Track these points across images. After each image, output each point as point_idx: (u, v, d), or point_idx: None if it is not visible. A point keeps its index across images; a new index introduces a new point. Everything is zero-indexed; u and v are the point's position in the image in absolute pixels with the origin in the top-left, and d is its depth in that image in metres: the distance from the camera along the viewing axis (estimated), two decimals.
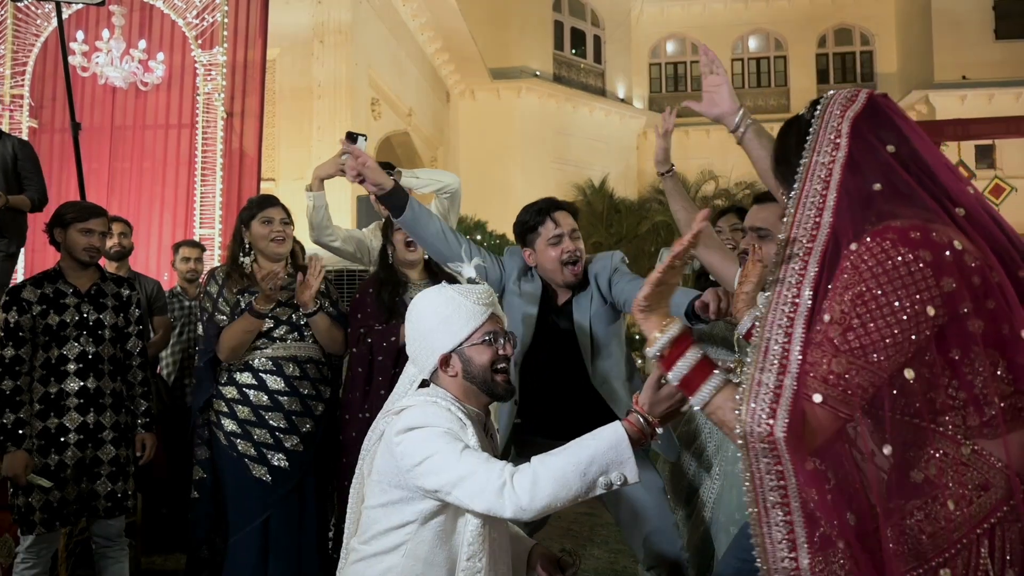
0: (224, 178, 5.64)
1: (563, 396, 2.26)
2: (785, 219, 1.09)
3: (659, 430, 1.32)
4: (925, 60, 15.80)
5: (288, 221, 2.59)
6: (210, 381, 2.51)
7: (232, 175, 5.70)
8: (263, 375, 2.47)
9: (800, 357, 0.96)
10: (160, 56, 5.62)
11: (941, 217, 1.01)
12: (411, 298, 2.49)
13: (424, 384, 1.58)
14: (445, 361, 1.50)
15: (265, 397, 2.46)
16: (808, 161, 1.09)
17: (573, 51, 16.76)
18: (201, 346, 2.64)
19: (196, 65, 5.71)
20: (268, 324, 2.47)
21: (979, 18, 15.54)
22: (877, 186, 1.03)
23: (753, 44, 18.40)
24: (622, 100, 17.49)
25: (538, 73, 15.73)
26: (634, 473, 1.30)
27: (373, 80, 9.75)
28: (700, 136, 17.60)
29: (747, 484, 0.97)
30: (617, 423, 1.35)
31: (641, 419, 1.33)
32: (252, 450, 2.42)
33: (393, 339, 2.46)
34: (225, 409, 2.47)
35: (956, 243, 0.97)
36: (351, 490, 1.64)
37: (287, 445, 2.44)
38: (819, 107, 1.12)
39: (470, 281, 1.60)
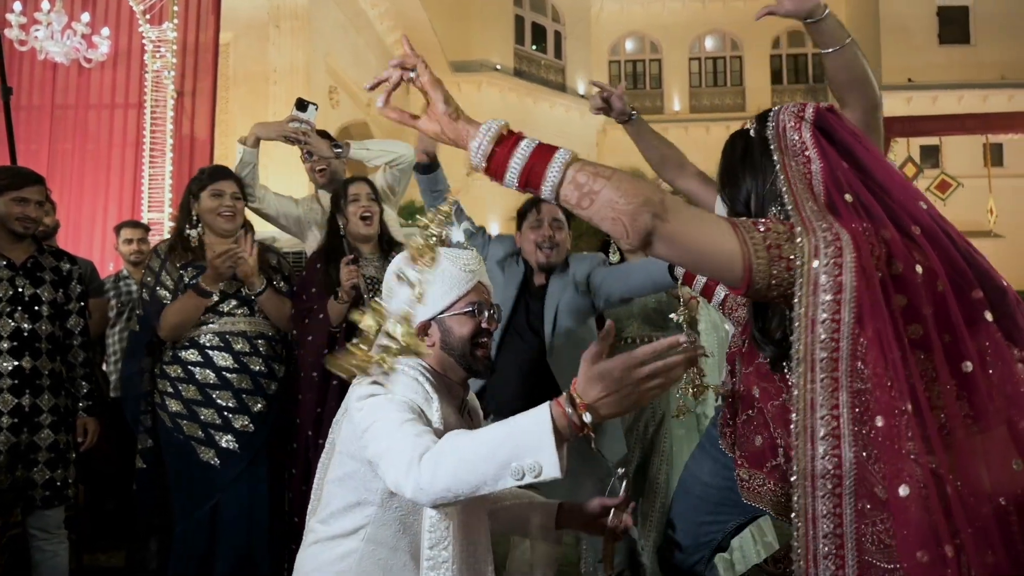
0: (174, 160, 5.41)
1: (526, 379, 2.27)
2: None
3: (587, 417, 1.04)
4: (873, 63, 16.02)
5: (239, 196, 2.48)
6: (142, 353, 2.39)
7: (183, 158, 5.47)
8: (209, 351, 2.34)
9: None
10: (105, 31, 5.36)
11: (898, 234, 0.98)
12: (364, 272, 2.48)
13: None
14: (423, 329, 1.40)
15: (212, 375, 2.33)
16: (782, 167, 1.05)
17: (534, 46, 16.75)
18: (140, 322, 2.49)
19: (144, 41, 5.47)
20: (215, 297, 2.35)
21: (924, 24, 16.12)
22: (848, 197, 1.00)
23: (710, 44, 18.70)
24: (582, 96, 17.55)
25: (499, 67, 15.68)
26: (553, 464, 1.05)
27: (331, 67, 9.54)
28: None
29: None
30: (545, 404, 1.12)
31: (568, 402, 1.06)
32: (199, 432, 2.30)
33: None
34: (169, 389, 2.34)
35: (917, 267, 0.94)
36: (318, 466, 1.53)
37: (236, 426, 2.32)
38: (769, 120, 1.10)
39: (457, 245, 1.49)
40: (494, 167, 0.98)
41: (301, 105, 2.81)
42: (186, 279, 2.36)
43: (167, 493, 2.35)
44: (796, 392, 0.91)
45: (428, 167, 2.46)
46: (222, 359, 2.34)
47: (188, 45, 5.48)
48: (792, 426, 0.91)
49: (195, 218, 2.43)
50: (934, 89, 15.54)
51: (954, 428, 0.89)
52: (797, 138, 1.05)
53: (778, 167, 1.05)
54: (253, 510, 2.31)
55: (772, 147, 1.06)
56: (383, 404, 1.28)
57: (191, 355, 2.34)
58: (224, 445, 2.29)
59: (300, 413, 2.37)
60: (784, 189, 1.01)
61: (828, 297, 0.88)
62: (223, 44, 6.20)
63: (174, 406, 2.32)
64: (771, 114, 1.10)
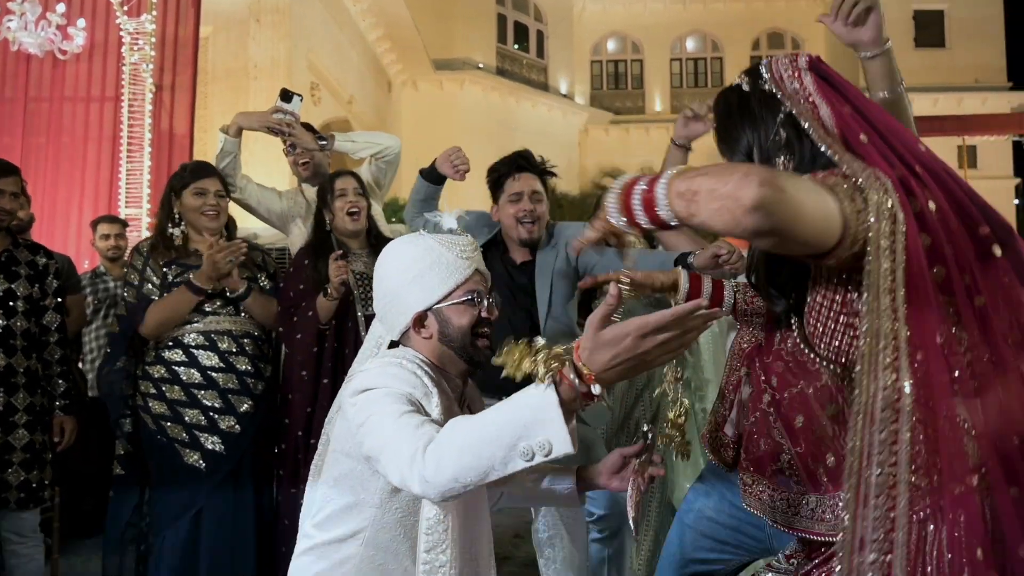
0: (153, 155, 5.29)
1: None
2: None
3: (596, 388, 0.98)
4: (850, 65, 16.46)
5: (223, 194, 2.42)
6: (123, 353, 2.31)
7: (161, 153, 5.36)
8: (194, 351, 2.27)
9: None
10: (81, 22, 5.23)
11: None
12: (352, 268, 2.43)
13: (393, 346, 1.41)
14: (419, 321, 1.32)
15: (197, 375, 2.26)
16: (798, 112, 1.02)
17: (516, 45, 16.74)
18: (122, 321, 2.41)
19: (121, 33, 5.34)
20: (208, 289, 2.28)
21: (900, 28, 16.35)
22: (863, 137, 0.98)
23: (691, 45, 18.82)
24: (564, 96, 17.58)
25: (481, 66, 15.64)
26: (563, 440, 0.98)
27: (313, 64, 9.44)
28: (640, 133, 17.90)
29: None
30: (548, 377, 1.03)
31: (573, 370, 1.00)
32: (183, 434, 2.23)
33: (347, 312, 2.32)
34: (152, 391, 2.26)
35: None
36: (312, 468, 1.46)
37: (222, 426, 2.25)
38: (763, 72, 1.08)
39: (451, 232, 1.41)
40: (626, 214, 0.95)
41: (286, 96, 2.75)
42: (170, 277, 2.30)
43: (146, 500, 2.27)
44: (865, 320, 0.89)
45: (441, 178, 2.41)
46: (207, 358, 2.27)
47: (167, 38, 5.37)
48: (859, 360, 0.89)
49: (177, 216, 2.37)
50: (910, 91, 15.73)
51: (980, 369, 0.89)
52: (798, 86, 1.03)
53: (783, 114, 1.03)
54: (237, 516, 2.24)
55: (776, 94, 1.04)
56: (379, 398, 1.21)
57: (175, 355, 2.27)
58: (209, 447, 2.23)
59: (289, 414, 2.32)
60: (812, 132, 0.99)
61: (887, 228, 0.87)
62: (202, 38, 6.09)
63: (157, 408, 2.24)
64: (762, 67, 1.08)
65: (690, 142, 2.12)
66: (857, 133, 0.97)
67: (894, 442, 0.85)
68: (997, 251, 0.92)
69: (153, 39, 5.34)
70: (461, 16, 15.22)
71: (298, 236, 2.94)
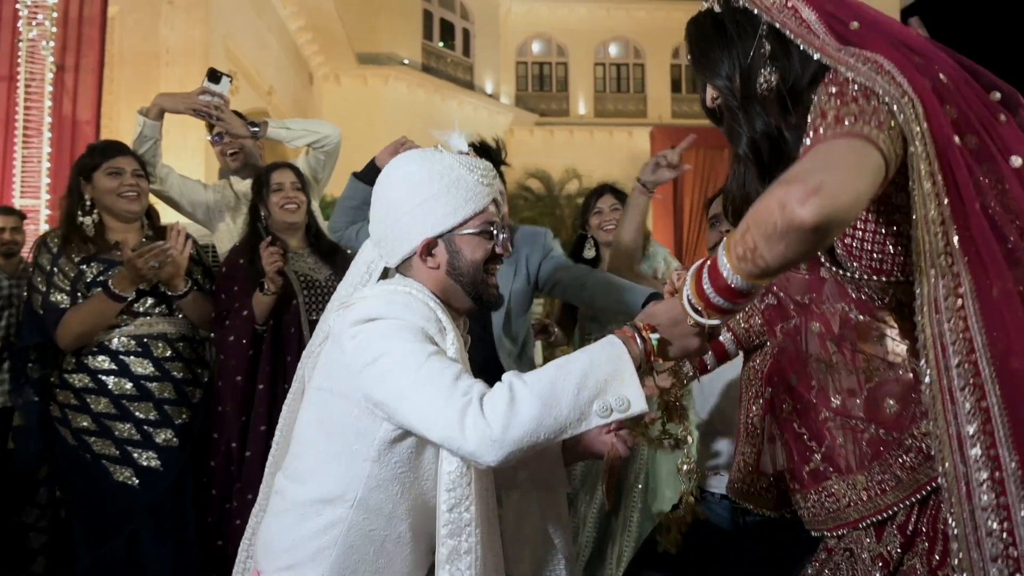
0: (53, 141, 4.84)
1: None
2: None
3: (654, 337, 0.98)
4: None
5: (142, 173, 2.18)
6: (25, 363, 2.06)
7: (63, 139, 4.90)
8: (125, 358, 2.04)
9: None
10: None
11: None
12: (295, 269, 2.26)
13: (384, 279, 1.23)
14: (428, 248, 1.16)
15: (129, 385, 2.03)
16: (779, 22, 0.97)
17: (442, 43, 16.57)
18: (24, 328, 2.14)
19: (18, 6, 4.85)
20: (130, 295, 2.05)
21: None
22: (855, 24, 0.94)
23: (614, 50, 19.18)
24: (490, 95, 17.54)
25: (406, 62, 15.38)
26: (639, 397, 0.96)
27: (230, 51, 8.96)
28: (564, 135, 18.09)
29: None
30: (608, 336, 1.01)
31: (635, 329, 0.99)
32: (113, 449, 1.99)
33: (286, 317, 2.15)
34: (74, 402, 2.01)
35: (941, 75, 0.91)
36: (282, 412, 1.26)
37: (158, 440, 2.03)
38: None
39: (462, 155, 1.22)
40: (704, 303, 0.93)
41: (214, 76, 2.52)
42: (88, 276, 2.04)
43: (66, 524, 2.03)
44: (912, 213, 0.86)
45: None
46: (141, 366, 2.04)
47: (70, 14, 4.91)
48: (914, 253, 0.85)
49: (88, 203, 2.12)
50: None
51: None
52: None
53: (764, 27, 0.98)
54: (180, 531, 2.02)
55: (750, 9, 1.00)
56: (392, 332, 1.04)
57: (102, 363, 2.03)
58: (144, 463, 2.00)
59: (220, 424, 2.11)
60: (800, 40, 0.94)
61: (911, 112, 0.83)
62: (109, 17, 5.64)
63: (80, 421, 1.99)
64: None
65: (655, 187, 2.08)
66: (847, 21, 0.94)
67: (965, 329, 0.82)
68: (1002, 117, 0.89)
69: (55, 14, 4.88)
70: (386, 10, 14.92)
71: (225, 232, 2.72)
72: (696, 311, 0.94)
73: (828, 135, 0.84)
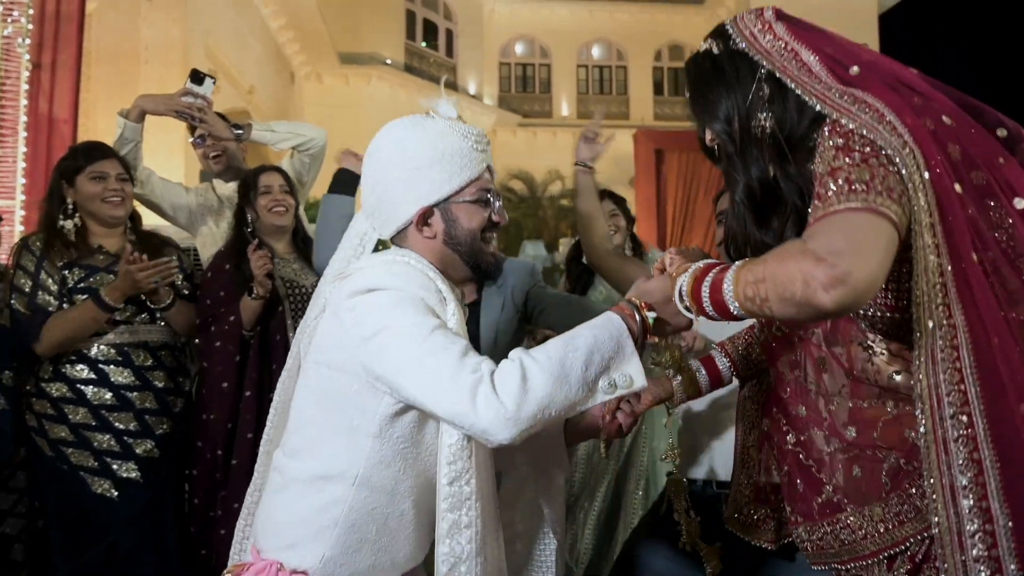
0: (29, 141, 4.74)
1: None
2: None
3: (651, 315, 1.02)
4: None
5: (126, 178, 2.14)
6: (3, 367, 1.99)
7: (39, 139, 4.78)
8: (104, 367, 1.99)
9: None
10: None
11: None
12: (281, 275, 2.23)
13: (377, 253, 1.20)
14: (424, 218, 1.13)
15: (108, 395, 1.98)
16: (777, 68, 0.97)
17: (424, 43, 16.51)
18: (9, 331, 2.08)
19: None
20: (120, 306, 2.00)
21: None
22: (855, 69, 0.95)
23: (597, 52, 19.25)
24: (473, 96, 17.51)
25: (389, 62, 15.30)
26: (640, 373, 0.98)
27: (211, 50, 8.85)
28: (547, 136, 18.11)
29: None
30: (605, 312, 1.03)
31: (633, 306, 1.02)
32: (91, 460, 1.95)
33: (272, 323, 2.12)
34: (50, 412, 1.97)
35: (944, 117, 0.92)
36: (277, 388, 1.22)
37: (139, 451, 1.99)
38: (731, 33, 1.04)
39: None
40: (697, 306, 0.94)
41: (196, 77, 2.48)
42: (70, 282, 2.00)
43: (43, 534, 1.98)
44: (915, 260, 0.86)
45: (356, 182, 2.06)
46: (121, 376, 2.00)
47: (47, 11, 4.82)
48: (913, 303, 0.86)
49: (70, 207, 2.08)
50: None
51: None
52: (772, 38, 0.99)
53: (763, 71, 0.98)
54: (160, 541, 1.98)
55: (749, 53, 1.00)
56: (393, 303, 1.01)
57: (80, 371, 1.98)
58: (124, 475, 1.95)
59: (204, 432, 2.08)
60: (798, 87, 0.94)
61: (911, 161, 0.84)
62: (87, 14, 5.53)
63: (57, 432, 1.95)
64: (728, 27, 1.04)
65: (594, 162, 2.08)
66: (848, 66, 0.94)
67: (960, 381, 0.83)
68: (1001, 160, 0.90)
69: (31, 10, 4.78)
70: (368, 9, 14.82)
71: (208, 236, 2.68)
72: (686, 307, 0.97)
73: (843, 205, 0.84)
